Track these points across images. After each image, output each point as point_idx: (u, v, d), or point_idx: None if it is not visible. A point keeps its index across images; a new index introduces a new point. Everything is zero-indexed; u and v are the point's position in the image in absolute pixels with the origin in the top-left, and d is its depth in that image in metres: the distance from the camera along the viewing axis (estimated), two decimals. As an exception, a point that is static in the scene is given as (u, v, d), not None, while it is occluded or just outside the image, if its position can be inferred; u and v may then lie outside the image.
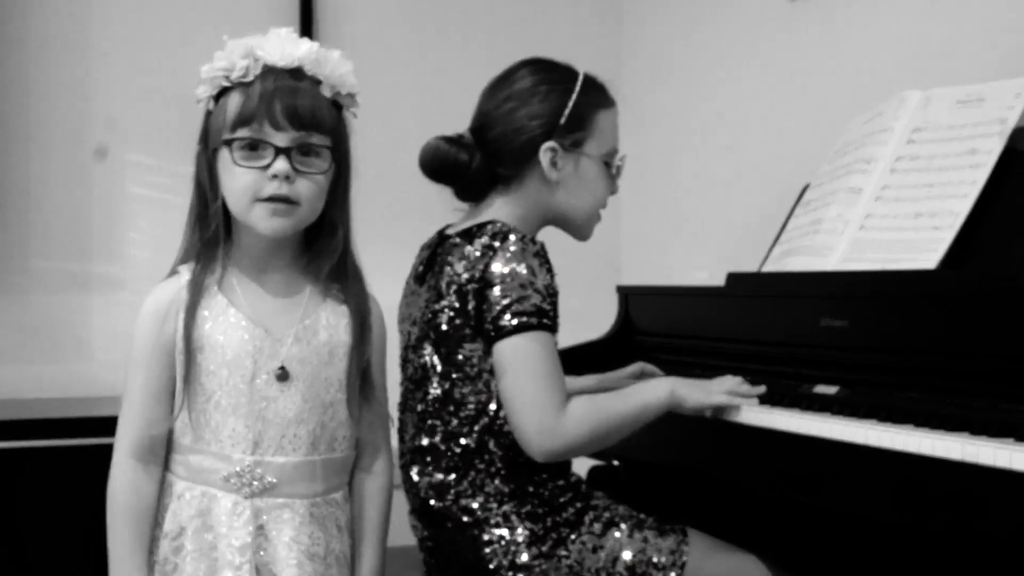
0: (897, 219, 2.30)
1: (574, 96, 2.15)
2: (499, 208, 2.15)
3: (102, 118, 3.40)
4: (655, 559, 2.02)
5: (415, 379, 2.11)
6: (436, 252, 2.13)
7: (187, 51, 2.91)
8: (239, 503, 1.88)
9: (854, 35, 3.12)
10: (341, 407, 1.96)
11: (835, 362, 2.17)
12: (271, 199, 1.85)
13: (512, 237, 2.00)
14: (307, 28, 3.62)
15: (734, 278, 2.50)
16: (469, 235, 2.06)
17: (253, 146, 1.85)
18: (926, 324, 2.01)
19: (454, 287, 2.01)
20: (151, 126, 3.42)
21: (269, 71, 1.87)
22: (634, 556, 2.02)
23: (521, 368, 1.96)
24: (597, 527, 2.04)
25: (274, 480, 1.89)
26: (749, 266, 2.75)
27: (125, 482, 1.92)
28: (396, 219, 3.71)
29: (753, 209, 3.37)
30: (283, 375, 1.90)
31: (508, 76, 2.19)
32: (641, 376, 2.47)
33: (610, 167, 2.21)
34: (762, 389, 2.08)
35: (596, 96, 2.19)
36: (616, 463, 2.74)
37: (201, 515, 1.90)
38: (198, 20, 3.50)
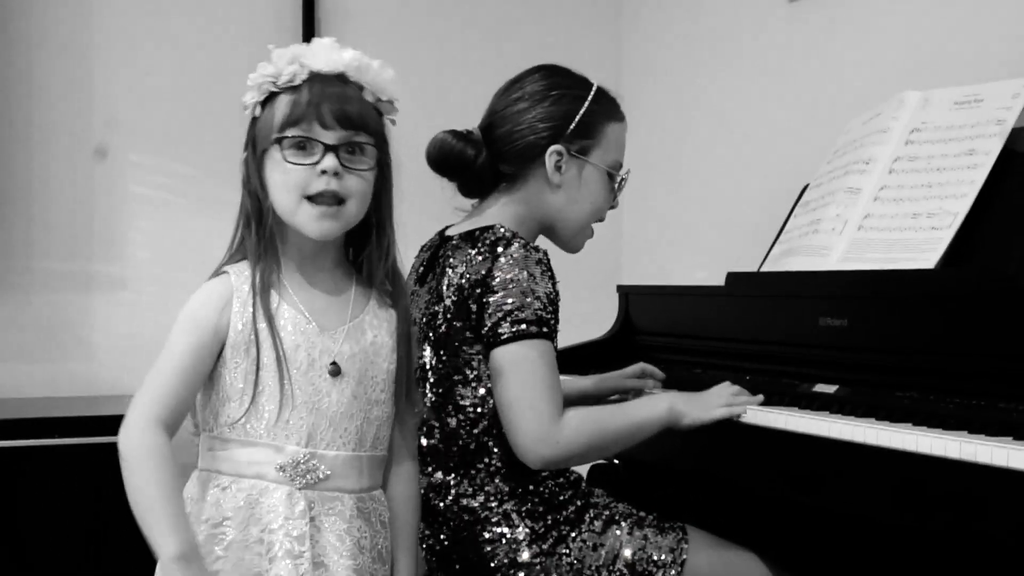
0: (896, 219, 2.30)
1: (586, 104, 2.16)
2: (500, 209, 2.16)
3: (104, 118, 3.40)
4: (655, 556, 2.03)
5: (415, 378, 2.11)
6: (436, 253, 2.13)
7: (188, 51, 2.94)
8: (293, 494, 1.89)
9: (853, 36, 3.12)
10: (384, 407, 1.98)
11: (834, 361, 2.17)
12: (320, 196, 1.87)
13: (516, 243, 2.01)
14: (308, 29, 3.62)
15: (734, 278, 2.50)
16: (471, 238, 2.06)
17: (302, 146, 1.88)
18: (925, 324, 2.02)
19: (454, 289, 2.02)
20: (153, 126, 3.41)
21: (315, 76, 1.91)
22: (634, 554, 2.03)
23: (518, 376, 1.97)
24: (597, 525, 2.05)
25: (328, 472, 1.91)
26: (749, 266, 2.75)
27: (152, 445, 1.83)
28: (398, 220, 3.72)
29: (753, 209, 3.38)
30: (335, 370, 1.91)
31: (522, 78, 2.21)
32: (642, 376, 2.48)
33: (613, 180, 2.22)
34: (760, 399, 2.09)
35: (608, 107, 2.20)
36: (616, 461, 2.74)
37: (249, 507, 1.89)
38: (200, 20, 3.50)
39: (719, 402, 2.08)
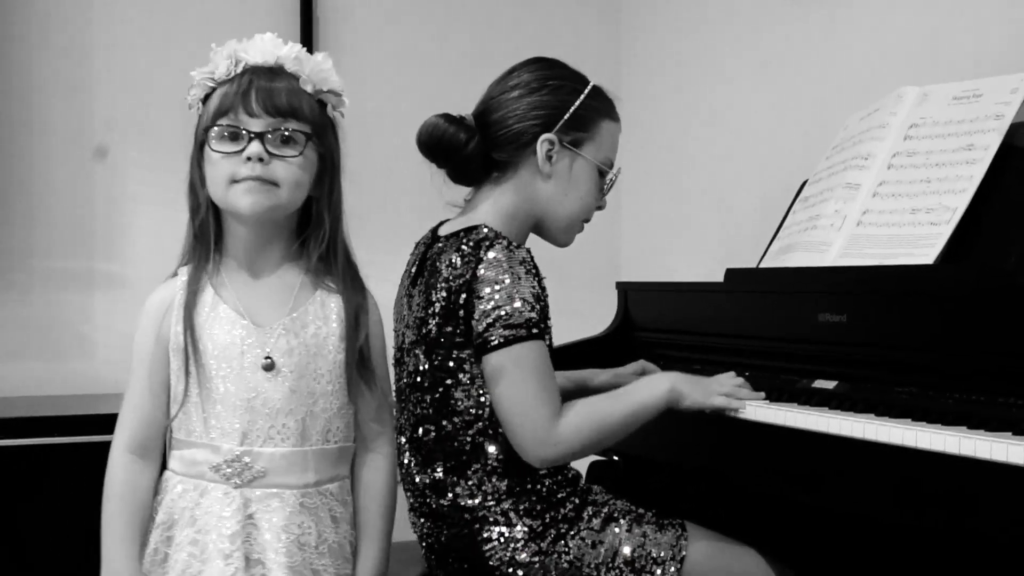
0: (895, 215, 2.30)
1: (582, 97, 2.16)
2: (491, 201, 2.15)
3: (104, 117, 3.40)
4: (655, 553, 2.02)
5: (410, 383, 2.11)
6: (427, 253, 2.13)
7: (188, 52, 2.92)
8: (228, 493, 1.92)
9: (851, 32, 3.12)
10: (333, 399, 2.00)
11: (833, 357, 2.17)
12: (247, 179, 1.91)
13: (497, 245, 2.00)
14: (307, 28, 3.62)
15: (733, 274, 2.50)
16: (457, 239, 2.06)
17: (233, 135, 1.92)
18: (924, 320, 2.01)
19: (442, 293, 2.01)
20: (153, 125, 3.42)
21: (250, 69, 1.96)
22: (634, 551, 2.02)
23: (512, 380, 1.96)
24: (596, 522, 2.04)
25: (263, 469, 1.93)
26: (748, 262, 2.74)
27: (121, 476, 1.98)
28: (394, 218, 3.71)
29: (751, 205, 3.38)
30: (269, 365, 1.94)
31: (518, 68, 2.20)
32: (642, 373, 2.46)
33: (604, 177, 2.22)
34: (761, 395, 2.09)
35: (603, 105, 2.20)
36: (616, 458, 2.74)
37: (193, 507, 1.94)
38: (199, 21, 3.50)
39: (721, 390, 2.07)
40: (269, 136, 1.91)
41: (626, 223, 4.06)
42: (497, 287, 1.96)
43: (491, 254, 1.99)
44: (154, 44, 3.45)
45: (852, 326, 2.14)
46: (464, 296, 1.98)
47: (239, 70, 1.95)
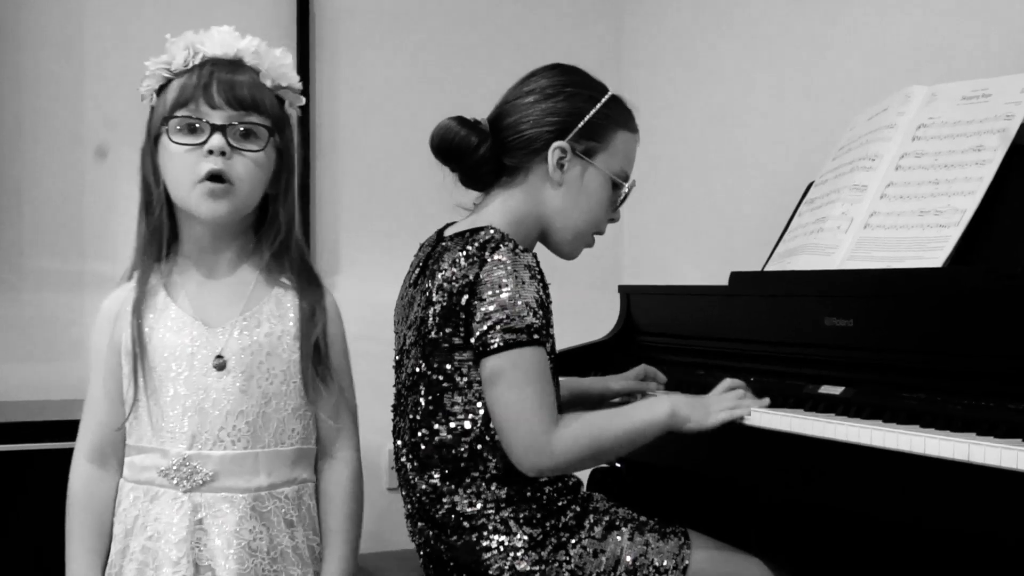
0: (902, 217, 2.28)
1: (598, 106, 2.13)
2: (498, 205, 2.12)
3: (96, 117, 3.39)
4: (657, 562, 2.01)
5: (408, 384, 2.09)
6: (431, 254, 2.10)
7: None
8: (177, 498, 1.91)
9: (857, 29, 3.10)
10: (287, 399, 1.98)
11: (840, 362, 2.15)
12: (208, 178, 1.88)
13: (503, 247, 1.97)
14: (304, 28, 3.60)
15: (738, 277, 2.48)
16: (463, 239, 2.03)
17: (192, 127, 1.90)
18: (932, 323, 1.99)
19: (444, 294, 1.98)
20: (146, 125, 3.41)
21: (209, 61, 1.93)
22: (636, 560, 2.01)
23: (509, 386, 1.93)
24: (598, 531, 2.02)
25: (211, 473, 1.91)
26: (753, 265, 2.72)
27: (81, 484, 1.98)
28: (393, 218, 3.71)
29: (756, 207, 3.36)
30: (221, 364, 1.92)
31: (537, 73, 2.18)
32: (644, 379, 2.45)
33: (618, 189, 2.18)
34: (765, 401, 2.06)
35: (620, 115, 2.17)
36: (618, 465, 2.72)
37: (143, 514, 1.92)
38: (194, 21, 3.47)
39: (721, 405, 2.04)
40: (230, 129, 1.89)
41: (628, 225, 4.04)
42: (500, 290, 1.93)
43: (496, 256, 1.96)
44: (149, 44, 3.43)
45: (859, 330, 2.12)
46: (466, 297, 1.95)
47: (197, 61, 1.92)
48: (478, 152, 2.10)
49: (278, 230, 1.99)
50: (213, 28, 1.96)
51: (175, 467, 1.90)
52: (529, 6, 4.02)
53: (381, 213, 3.73)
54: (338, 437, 2.06)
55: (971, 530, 1.68)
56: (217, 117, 1.89)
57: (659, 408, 2.01)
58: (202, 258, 1.98)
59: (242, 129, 1.90)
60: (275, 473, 1.95)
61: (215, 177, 1.88)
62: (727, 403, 2.05)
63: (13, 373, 3.26)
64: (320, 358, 2.00)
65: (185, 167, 1.89)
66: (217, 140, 1.87)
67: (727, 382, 2.12)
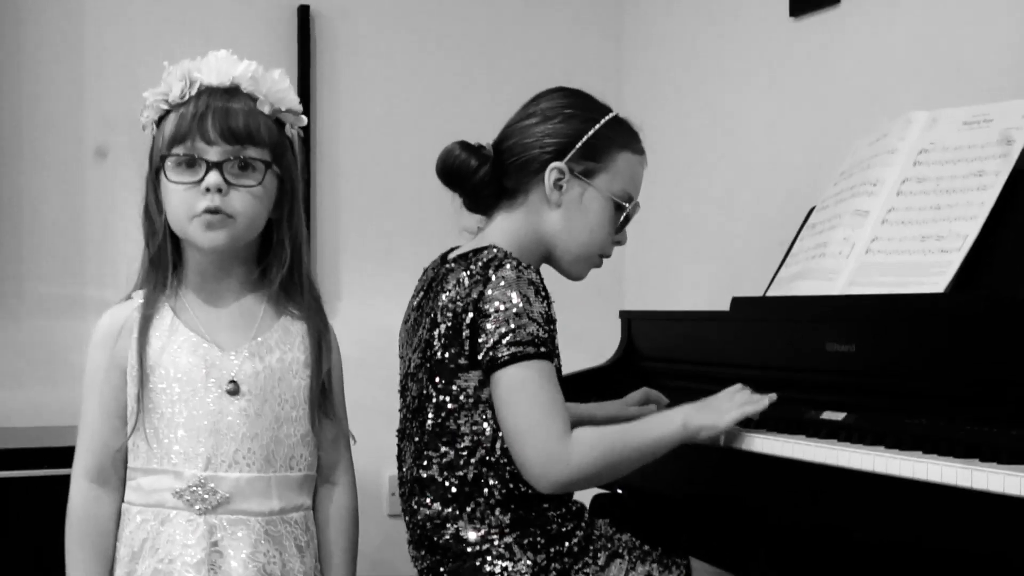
0: (904, 242, 2.28)
1: (597, 126, 2.12)
2: (500, 228, 2.12)
3: (96, 140, 3.38)
4: (658, 591, 2.00)
5: (413, 408, 2.08)
6: (435, 277, 2.10)
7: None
8: (192, 519, 1.88)
9: (859, 53, 3.11)
10: (298, 425, 1.97)
11: (842, 388, 2.14)
12: (205, 212, 1.87)
13: (507, 265, 1.97)
14: (304, 30, 3.59)
15: (739, 302, 2.48)
16: (466, 260, 2.03)
17: (189, 163, 1.88)
18: (934, 349, 1.99)
19: (448, 314, 1.98)
20: (146, 149, 3.40)
21: (205, 91, 1.91)
22: (637, 588, 1.99)
23: (520, 398, 1.92)
24: (601, 558, 2.01)
25: (227, 495, 1.89)
26: (754, 290, 2.72)
27: (81, 505, 1.95)
28: (395, 242, 3.70)
29: (758, 232, 3.36)
30: (234, 389, 1.91)
31: (541, 96, 2.18)
32: (646, 402, 2.45)
33: (621, 210, 2.18)
34: (773, 397, 2.05)
35: (622, 136, 2.17)
36: (620, 491, 2.71)
37: (154, 537, 1.90)
38: (196, 41, 3.48)
39: (733, 404, 2.03)
40: (227, 164, 1.87)
41: (630, 250, 4.02)
42: (505, 305, 1.93)
43: (500, 273, 1.95)
44: (147, 68, 3.43)
45: (861, 356, 2.11)
46: (471, 316, 1.95)
47: (194, 92, 1.90)
48: (477, 175, 2.10)
49: (284, 258, 1.98)
50: (210, 54, 1.95)
51: (190, 488, 1.88)
52: (530, 20, 4.03)
53: (383, 236, 3.72)
54: (338, 466, 2.05)
55: (975, 556, 1.66)
56: (213, 153, 1.87)
57: (672, 421, 2.00)
58: (206, 285, 1.97)
59: (240, 163, 1.89)
60: (285, 497, 1.94)
61: (211, 211, 1.87)
62: (738, 400, 2.04)
63: (12, 399, 3.25)
64: (324, 390, 1.99)
65: (182, 204, 1.88)
66: (213, 178, 1.86)
67: (735, 386, 2.11)
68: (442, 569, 2.02)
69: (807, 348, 2.22)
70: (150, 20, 3.46)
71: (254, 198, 1.90)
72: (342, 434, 2.06)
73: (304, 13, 3.60)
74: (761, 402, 2.03)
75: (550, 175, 2.10)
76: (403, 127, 3.71)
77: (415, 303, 2.15)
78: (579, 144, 2.11)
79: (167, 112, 1.92)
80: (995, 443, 1.72)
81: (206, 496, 1.88)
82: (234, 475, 1.89)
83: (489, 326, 1.93)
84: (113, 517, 1.95)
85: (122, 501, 1.95)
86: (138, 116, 1.96)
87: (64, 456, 2.56)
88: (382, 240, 3.72)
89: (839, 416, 2.06)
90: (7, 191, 3.30)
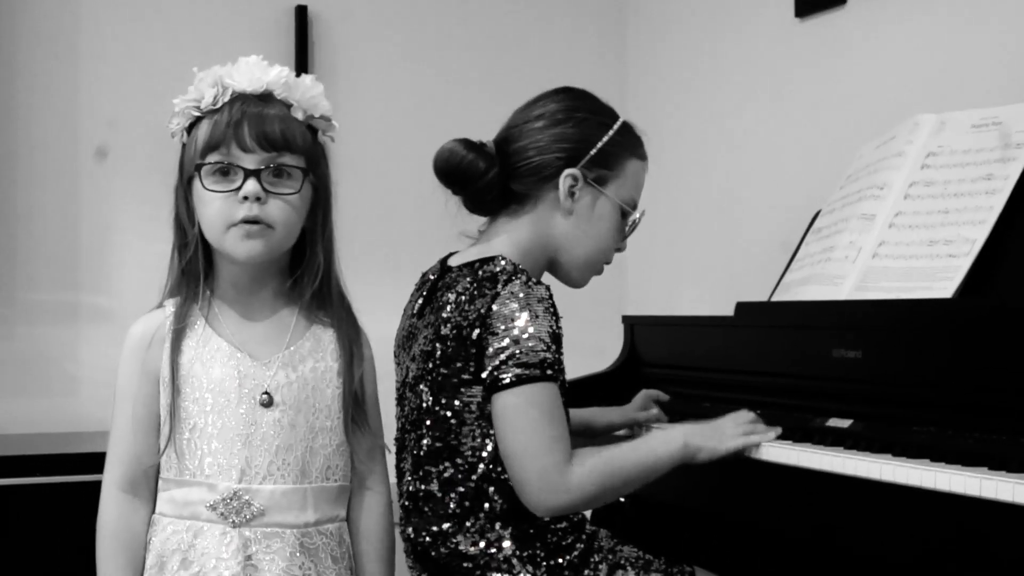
0: (911, 246, 2.26)
1: (610, 133, 2.09)
2: (506, 234, 2.08)
3: (91, 147, 3.37)
4: (662, 603, 1.98)
5: (411, 420, 2.05)
6: (437, 284, 2.06)
7: (183, 80, 2.90)
8: (227, 532, 1.86)
9: (865, 55, 3.10)
10: (333, 435, 1.94)
11: (848, 395, 2.12)
12: (243, 221, 1.84)
13: (517, 281, 1.93)
14: (301, 31, 3.58)
15: (744, 308, 2.46)
16: (472, 269, 1.99)
17: (224, 171, 1.86)
18: (942, 355, 1.97)
19: (452, 327, 1.95)
20: (141, 155, 3.39)
21: (238, 97, 1.88)
22: (640, 599, 1.97)
23: (522, 424, 1.89)
24: (603, 569, 1.99)
25: (262, 507, 1.87)
26: (759, 295, 2.71)
27: (115, 515, 1.91)
28: (394, 249, 3.68)
29: (763, 236, 3.34)
30: (268, 401, 1.89)
31: (545, 96, 2.13)
32: (647, 407, 2.44)
33: (626, 218, 2.15)
34: (778, 431, 2.03)
35: (631, 142, 2.14)
36: (622, 500, 2.69)
37: (185, 549, 1.87)
38: (193, 46, 3.47)
39: (734, 431, 2.02)
40: (263, 173, 1.85)
41: (633, 255, 4.00)
42: (513, 324, 1.90)
43: (509, 289, 1.92)
44: (142, 71, 3.43)
45: (868, 362, 2.10)
46: (477, 331, 1.92)
47: (227, 98, 1.87)
48: (486, 177, 2.05)
49: (317, 267, 1.96)
50: (240, 60, 1.91)
51: (224, 501, 1.86)
52: (532, 27, 4.01)
53: (382, 240, 3.71)
54: (372, 476, 2.03)
55: (984, 566, 1.64)
56: (249, 161, 1.84)
57: (672, 442, 1.98)
58: (239, 296, 1.95)
59: (276, 170, 1.86)
60: (321, 509, 1.93)
61: (250, 221, 1.85)
62: (741, 428, 2.02)
63: (5, 406, 3.23)
64: (357, 400, 1.97)
65: (219, 213, 1.85)
66: (251, 186, 1.83)
67: (744, 412, 2.09)
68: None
69: (813, 354, 2.20)
70: (147, 21, 3.45)
71: (291, 207, 1.88)
72: (377, 444, 2.04)
73: (302, 14, 3.59)
74: (767, 435, 2.01)
75: (564, 181, 2.06)
76: (402, 129, 3.70)
77: (414, 309, 2.11)
78: (593, 151, 2.08)
79: (198, 119, 1.89)
80: (1004, 452, 1.71)
81: (241, 509, 1.86)
82: (269, 487, 1.87)
83: (495, 344, 1.90)
84: (144, 526, 1.93)
85: (153, 512, 1.93)
86: (167, 123, 1.93)
87: (59, 463, 2.56)
88: (381, 243, 3.70)
89: (845, 423, 2.06)
90: (1, 199, 3.28)
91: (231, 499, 1.86)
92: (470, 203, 2.12)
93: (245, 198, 1.83)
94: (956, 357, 1.94)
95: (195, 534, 1.87)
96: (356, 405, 1.97)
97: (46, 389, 3.26)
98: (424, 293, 2.10)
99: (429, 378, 1.99)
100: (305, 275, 1.96)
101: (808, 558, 2.33)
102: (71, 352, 3.23)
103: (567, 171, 2.06)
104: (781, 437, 2.03)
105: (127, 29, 3.43)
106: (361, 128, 3.71)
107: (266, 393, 1.88)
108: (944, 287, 2.13)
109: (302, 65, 3.57)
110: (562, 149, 2.06)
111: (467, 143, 2.07)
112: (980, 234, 2.14)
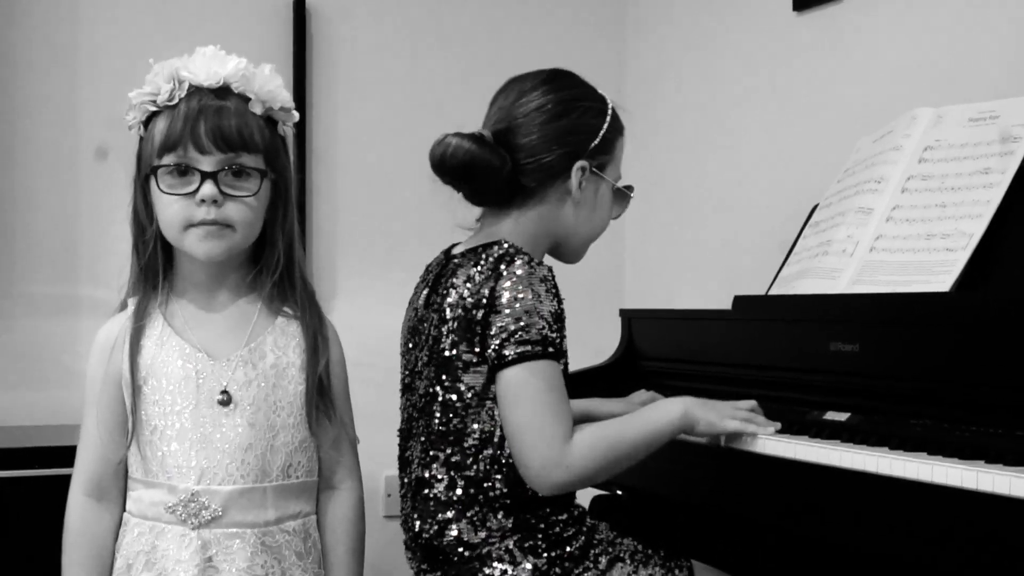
0: (909, 240, 2.26)
1: (608, 119, 2.10)
2: (511, 225, 2.08)
3: (90, 143, 3.36)
4: (660, 596, 1.98)
5: (419, 407, 2.05)
6: (441, 273, 2.06)
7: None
8: (186, 535, 1.86)
9: (863, 49, 3.09)
10: (295, 432, 1.94)
11: (845, 388, 2.13)
12: (202, 224, 1.83)
13: (518, 260, 1.94)
14: (300, 27, 3.58)
15: (741, 301, 2.46)
16: (475, 254, 2.00)
17: (182, 171, 1.84)
18: (939, 349, 1.97)
19: (458, 310, 1.95)
20: (135, 150, 3.39)
21: (194, 92, 1.86)
22: (639, 593, 1.98)
23: (524, 398, 1.90)
24: (603, 562, 1.99)
25: (220, 509, 1.87)
26: (757, 289, 2.70)
27: (78, 519, 1.93)
28: (392, 242, 3.68)
29: (760, 230, 3.34)
30: (226, 400, 1.88)
31: (535, 84, 2.10)
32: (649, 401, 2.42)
33: (624, 196, 2.17)
34: (777, 426, 2.03)
35: (619, 122, 2.15)
36: (619, 492, 2.69)
37: (149, 551, 1.88)
38: (189, 40, 3.46)
39: (736, 414, 2.01)
40: (221, 174, 1.83)
41: (629, 248, 4.02)
42: (516, 303, 1.90)
43: (512, 269, 1.93)
44: (142, 66, 3.41)
45: (865, 356, 2.10)
46: (482, 312, 1.92)
47: (183, 93, 1.85)
48: (501, 175, 2.03)
49: (278, 258, 1.95)
50: (197, 51, 1.90)
51: (182, 503, 1.86)
52: (531, 23, 4.01)
53: (380, 236, 3.70)
54: (340, 468, 2.03)
55: (979, 559, 1.64)
56: (207, 163, 1.83)
57: (672, 409, 1.97)
58: (199, 293, 1.94)
59: (234, 170, 1.85)
60: (281, 506, 1.92)
61: (209, 223, 1.84)
62: (742, 413, 2.01)
63: (5, 399, 3.23)
64: (323, 391, 1.96)
65: (177, 215, 1.84)
66: (208, 189, 1.82)
67: (749, 402, 2.08)
68: (441, 573, 2.00)
69: (810, 348, 2.20)
70: (144, 18, 3.44)
71: (249, 208, 1.87)
72: (344, 435, 2.03)
73: (300, 9, 3.58)
74: (766, 429, 2.00)
75: (576, 174, 2.06)
76: (401, 125, 3.69)
77: (420, 300, 2.11)
78: (596, 140, 2.08)
79: (155, 113, 1.88)
80: (1001, 445, 1.72)
81: (199, 511, 1.86)
82: (227, 488, 1.87)
83: (499, 323, 1.90)
84: (112, 532, 1.93)
85: (123, 511, 1.93)
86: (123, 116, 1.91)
87: (57, 456, 2.56)
88: (379, 240, 3.70)
89: (842, 417, 2.06)
90: (-1, 190, 3.29)
91: (189, 501, 1.86)
92: (474, 196, 2.12)
93: (202, 201, 1.82)
94: (953, 351, 1.94)
95: (157, 535, 1.87)
96: (321, 395, 1.96)
97: (44, 382, 3.25)
98: (429, 283, 2.10)
99: (436, 363, 2.00)
100: (265, 266, 1.95)
101: (805, 550, 2.33)
102: (70, 345, 3.23)
103: (578, 164, 2.06)
104: (779, 430, 2.03)
105: (123, 26, 3.43)
106: (359, 122, 3.71)
107: (224, 392, 1.87)
108: (942, 281, 2.13)
109: (300, 60, 3.56)
110: (568, 143, 2.06)
111: (474, 138, 2.03)
112: (977, 228, 2.14)
